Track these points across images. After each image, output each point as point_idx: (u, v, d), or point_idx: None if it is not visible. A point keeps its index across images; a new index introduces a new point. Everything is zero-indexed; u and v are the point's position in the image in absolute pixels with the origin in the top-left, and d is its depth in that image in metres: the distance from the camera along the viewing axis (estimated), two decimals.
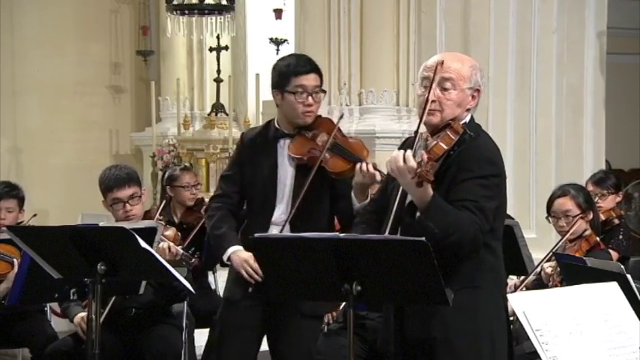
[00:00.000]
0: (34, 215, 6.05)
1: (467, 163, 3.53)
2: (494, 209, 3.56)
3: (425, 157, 3.39)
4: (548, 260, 5.16)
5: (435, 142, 3.53)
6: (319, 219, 4.46)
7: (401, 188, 3.57)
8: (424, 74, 3.67)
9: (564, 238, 5.28)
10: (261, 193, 4.50)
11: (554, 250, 5.23)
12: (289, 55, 4.70)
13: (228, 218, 4.56)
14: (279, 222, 4.44)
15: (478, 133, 3.66)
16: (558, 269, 4.96)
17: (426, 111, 3.61)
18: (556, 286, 4.95)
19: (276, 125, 4.55)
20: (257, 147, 4.56)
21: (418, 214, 3.49)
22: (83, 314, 5.09)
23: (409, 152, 3.47)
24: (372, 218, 3.83)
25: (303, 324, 4.44)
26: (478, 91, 3.68)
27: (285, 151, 4.49)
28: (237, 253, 4.44)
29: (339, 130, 4.53)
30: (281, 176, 4.49)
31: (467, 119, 3.67)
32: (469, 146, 3.56)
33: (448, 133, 3.55)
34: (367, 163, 4.30)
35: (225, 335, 4.53)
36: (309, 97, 4.43)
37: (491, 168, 3.58)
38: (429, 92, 3.61)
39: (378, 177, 4.25)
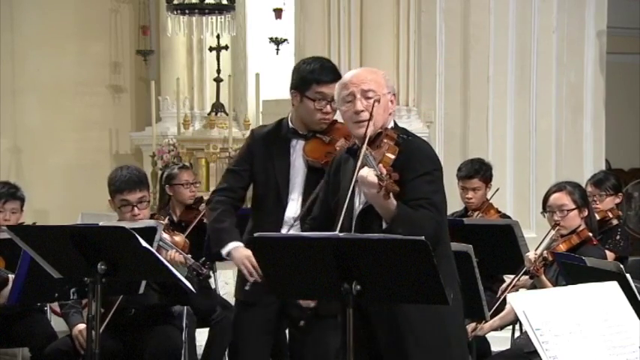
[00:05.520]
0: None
1: (410, 163, 3.67)
2: (443, 201, 3.78)
3: (383, 170, 3.55)
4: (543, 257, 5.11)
5: (381, 155, 3.68)
6: None
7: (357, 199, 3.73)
8: (345, 92, 3.83)
9: (554, 230, 5.23)
10: (273, 192, 4.48)
11: (545, 242, 5.21)
12: (315, 60, 4.55)
13: (231, 213, 4.52)
14: (289, 221, 4.43)
15: (408, 134, 3.85)
16: (541, 257, 4.99)
17: (364, 123, 3.74)
18: (537, 271, 4.98)
19: (290, 124, 4.53)
20: (269, 145, 4.52)
21: (384, 224, 3.64)
22: (82, 327, 5.04)
23: (368, 169, 3.60)
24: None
25: (318, 324, 4.35)
26: (395, 95, 3.90)
27: (298, 151, 4.47)
28: (238, 249, 4.40)
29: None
30: (292, 176, 4.47)
31: (391, 124, 3.87)
32: (407, 148, 3.74)
33: (387, 142, 3.73)
34: None
35: (244, 338, 4.50)
36: (328, 106, 4.39)
37: (433, 163, 3.79)
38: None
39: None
